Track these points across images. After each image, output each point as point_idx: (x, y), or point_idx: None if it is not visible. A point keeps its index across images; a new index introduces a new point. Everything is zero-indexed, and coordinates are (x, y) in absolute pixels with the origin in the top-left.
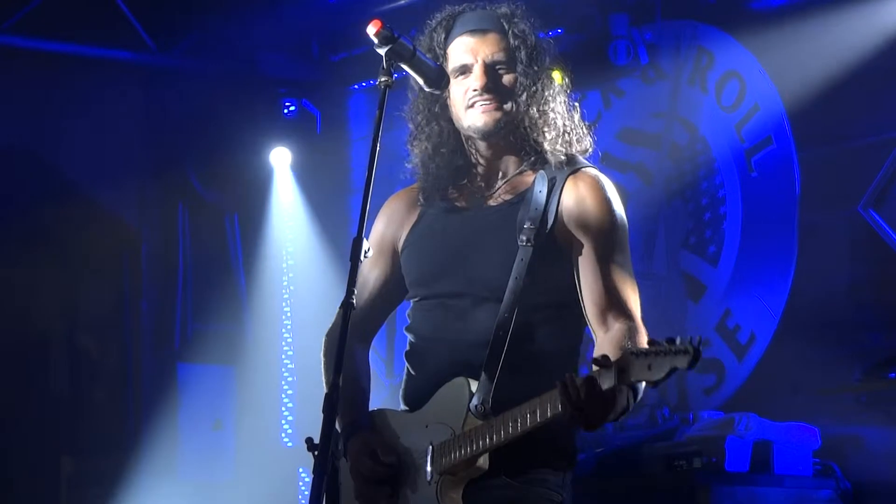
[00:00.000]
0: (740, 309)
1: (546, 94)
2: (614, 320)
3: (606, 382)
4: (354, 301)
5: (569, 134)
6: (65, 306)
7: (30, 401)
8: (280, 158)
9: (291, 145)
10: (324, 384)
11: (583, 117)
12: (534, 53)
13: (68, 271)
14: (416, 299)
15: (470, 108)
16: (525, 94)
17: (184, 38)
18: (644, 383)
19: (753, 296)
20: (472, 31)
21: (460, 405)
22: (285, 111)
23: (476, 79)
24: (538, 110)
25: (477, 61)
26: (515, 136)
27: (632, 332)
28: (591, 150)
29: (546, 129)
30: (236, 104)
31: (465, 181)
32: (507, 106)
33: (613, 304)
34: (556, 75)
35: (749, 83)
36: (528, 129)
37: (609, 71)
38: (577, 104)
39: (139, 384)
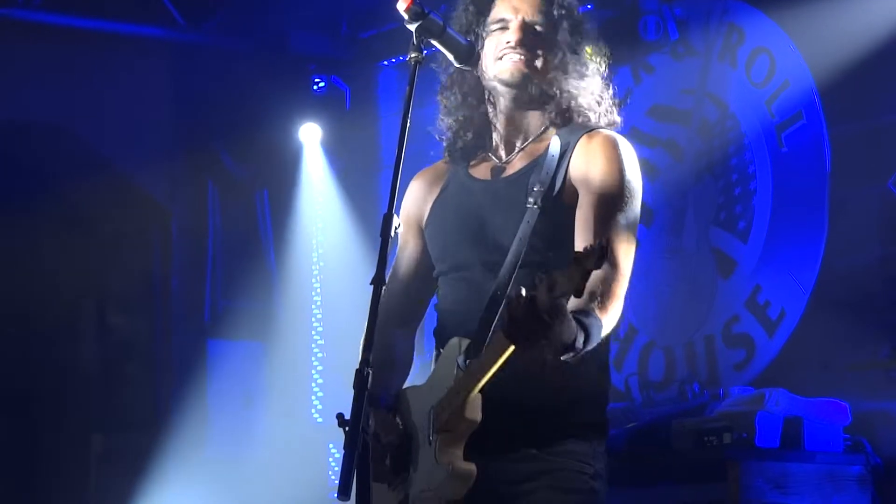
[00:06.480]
0: (770, 285)
1: (579, 65)
2: None
3: (542, 291)
4: (386, 277)
5: (595, 107)
6: (95, 283)
7: (60, 378)
8: (309, 135)
9: (321, 121)
10: None
11: (613, 93)
12: (576, 25)
13: (98, 248)
14: (439, 275)
15: (499, 60)
16: (557, 59)
17: (213, 15)
18: (603, 330)
19: (784, 272)
20: None
21: (452, 363)
22: (314, 87)
23: (512, 33)
24: (567, 77)
25: (516, 18)
26: (539, 97)
27: (606, 273)
28: (618, 124)
29: (571, 97)
30: (265, 80)
31: (487, 153)
32: (537, 63)
33: None
34: (591, 53)
35: (779, 59)
36: (555, 93)
37: (639, 46)
38: (610, 84)
39: (169, 360)
